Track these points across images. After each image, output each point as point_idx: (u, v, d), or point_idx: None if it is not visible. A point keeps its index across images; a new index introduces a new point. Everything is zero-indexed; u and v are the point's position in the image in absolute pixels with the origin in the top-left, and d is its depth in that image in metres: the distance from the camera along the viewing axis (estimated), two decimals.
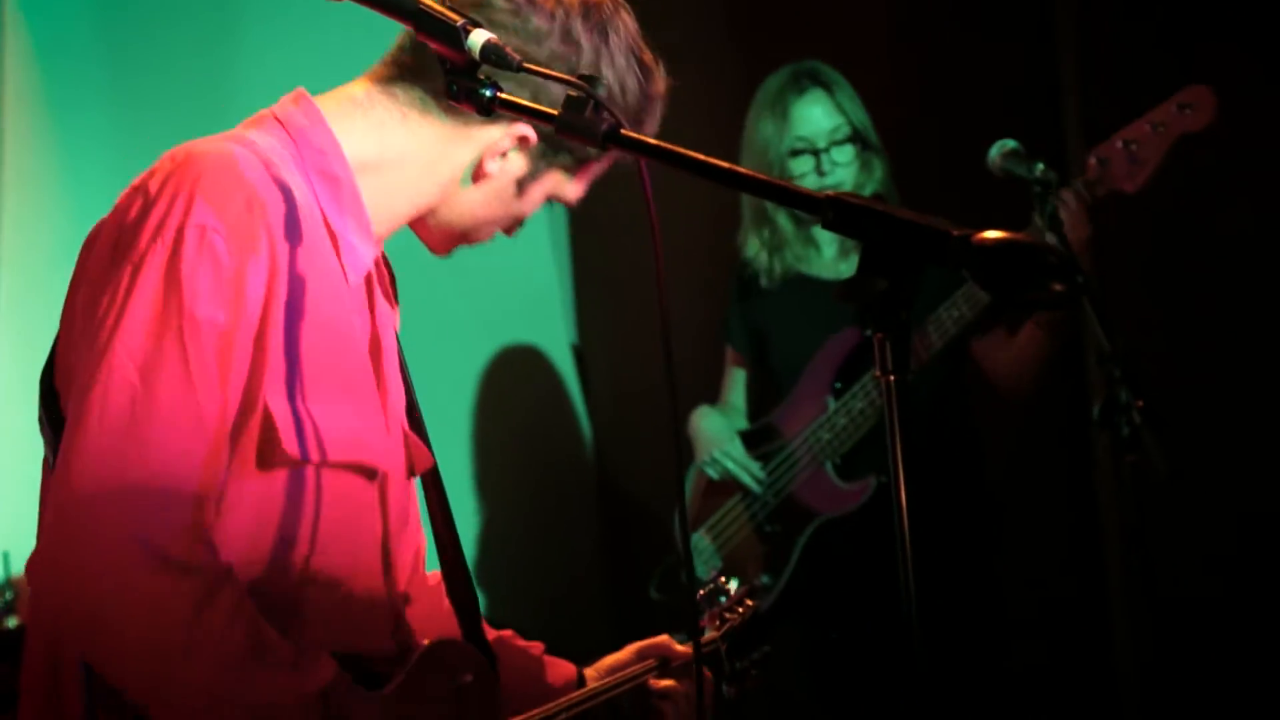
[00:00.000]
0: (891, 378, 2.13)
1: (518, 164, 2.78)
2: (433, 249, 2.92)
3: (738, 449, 5.29)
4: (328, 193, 2.67)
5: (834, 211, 2.14)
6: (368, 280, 2.77)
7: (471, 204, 2.81)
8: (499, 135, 2.73)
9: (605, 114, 2.31)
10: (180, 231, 2.45)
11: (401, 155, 2.74)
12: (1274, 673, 5.33)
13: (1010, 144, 4.47)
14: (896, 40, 5.96)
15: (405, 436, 2.88)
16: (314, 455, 2.58)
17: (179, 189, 2.48)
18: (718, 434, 5.36)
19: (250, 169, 2.54)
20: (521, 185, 2.81)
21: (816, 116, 5.14)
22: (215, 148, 2.55)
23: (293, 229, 2.57)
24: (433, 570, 3.08)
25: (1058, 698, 5.79)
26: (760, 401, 5.45)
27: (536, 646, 3.23)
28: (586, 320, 6.96)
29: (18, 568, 4.97)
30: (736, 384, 5.51)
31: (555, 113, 2.33)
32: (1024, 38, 5.83)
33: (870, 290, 2.12)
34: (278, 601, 2.59)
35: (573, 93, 2.33)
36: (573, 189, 2.89)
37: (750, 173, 2.31)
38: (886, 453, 5.01)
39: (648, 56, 2.82)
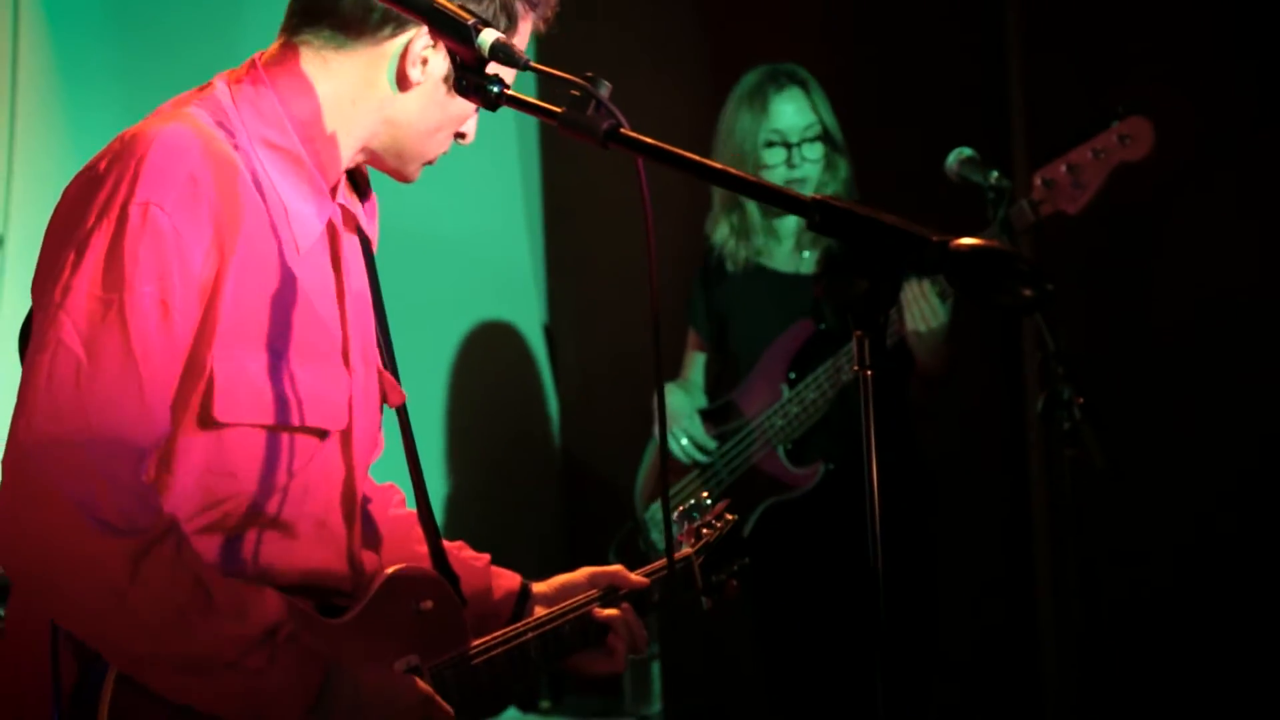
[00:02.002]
0: (869, 373, 2.11)
1: (439, 64, 2.68)
2: (397, 176, 2.84)
3: (697, 427, 5.29)
4: (274, 162, 2.63)
5: (821, 214, 2.14)
6: (330, 229, 2.73)
7: (409, 115, 2.72)
8: (410, 41, 2.66)
9: (606, 112, 2.30)
10: (124, 209, 2.44)
11: (333, 97, 2.68)
12: (1198, 655, 5.35)
13: (967, 152, 4.51)
14: (856, 51, 5.95)
15: (379, 374, 2.86)
16: (256, 418, 2.58)
17: (125, 169, 2.47)
18: (678, 410, 5.35)
19: (195, 146, 2.51)
20: (450, 81, 2.69)
21: (791, 112, 5.14)
22: (160, 128, 2.52)
23: (236, 201, 2.54)
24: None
25: (983, 685, 5.81)
26: (718, 382, 5.45)
27: (482, 558, 3.17)
28: (557, 301, 6.95)
29: None
30: (697, 364, 5.51)
31: (559, 110, 2.32)
32: (977, 58, 5.84)
33: (851, 290, 2.12)
34: (231, 548, 2.60)
35: (575, 92, 2.31)
36: (507, 75, 2.70)
37: (741, 174, 2.31)
38: (835, 441, 5.05)
39: None
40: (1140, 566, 5.30)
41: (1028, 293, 2.05)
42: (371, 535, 2.91)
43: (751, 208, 5.24)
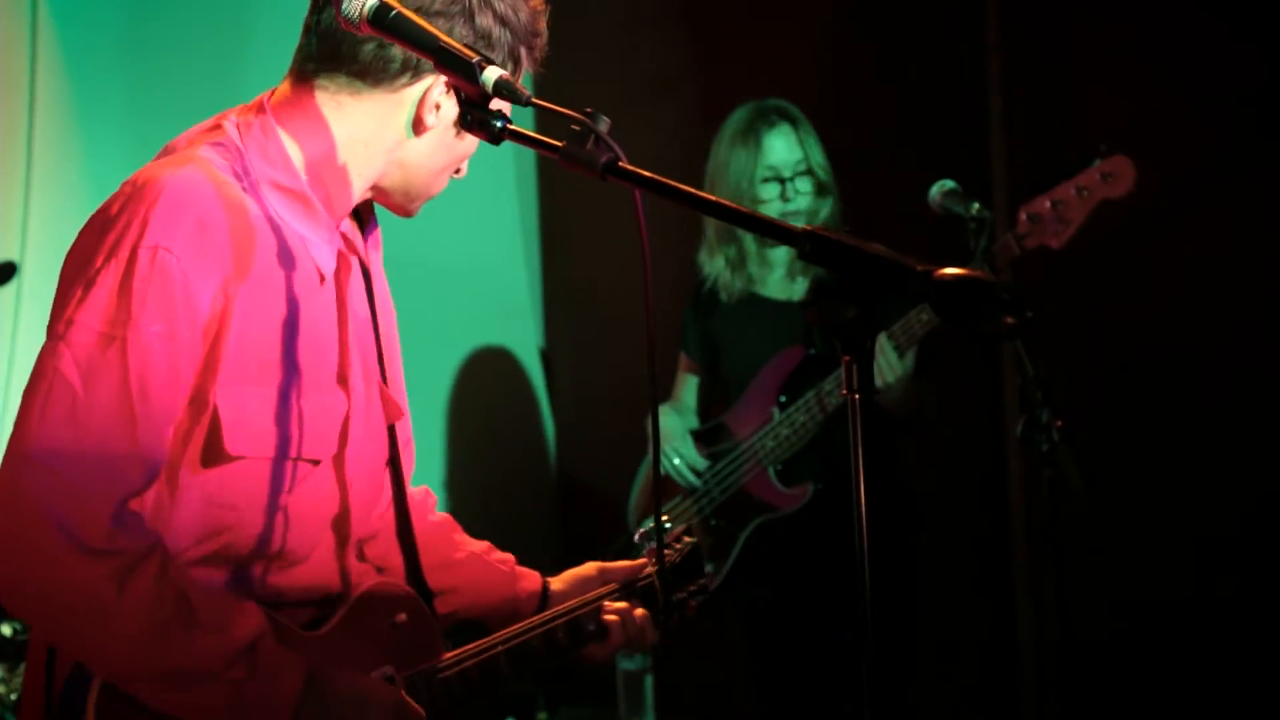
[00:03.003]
0: (857, 396, 2.12)
1: (451, 108, 2.68)
2: (400, 212, 2.86)
3: (689, 447, 5.30)
4: (282, 203, 2.64)
5: (811, 244, 2.15)
6: (341, 257, 2.74)
7: (420, 157, 2.75)
8: (428, 89, 2.68)
9: (604, 146, 2.31)
10: (134, 250, 2.45)
11: (347, 140, 2.69)
12: (1174, 673, 5.36)
13: (949, 184, 4.53)
14: (843, 87, 5.97)
15: (380, 390, 2.86)
16: (259, 451, 2.59)
17: (136, 212, 2.48)
18: (671, 431, 5.36)
19: (205, 192, 2.52)
20: (457, 125, 2.67)
21: (783, 148, 5.15)
22: (171, 173, 2.53)
23: (244, 243, 2.55)
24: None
25: (964, 700, 5.81)
26: (708, 404, 5.46)
27: (508, 560, 3.21)
28: (553, 326, 6.96)
29: None
30: (689, 387, 5.51)
31: (560, 144, 2.33)
32: (960, 93, 5.86)
33: (840, 317, 2.13)
34: (231, 575, 2.63)
35: (575, 126, 2.33)
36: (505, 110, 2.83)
37: (734, 206, 2.31)
38: (824, 462, 5.05)
39: None
40: (1117, 584, 5.31)
41: (1009, 320, 2.06)
42: (383, 549, 2.95)
43: (747, 240, 5.25)
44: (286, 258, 2.62)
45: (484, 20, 2.66)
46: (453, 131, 2.72)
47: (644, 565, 3.24)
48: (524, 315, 6.91)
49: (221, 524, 2.60)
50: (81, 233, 2.57)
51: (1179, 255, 5.32)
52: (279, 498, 2.64)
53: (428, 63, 2.49)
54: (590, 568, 3.24)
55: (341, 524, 2.78)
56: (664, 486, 5.38)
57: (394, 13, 2.42)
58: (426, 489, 3.23)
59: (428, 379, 6.31)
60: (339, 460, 2.74)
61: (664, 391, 5.53)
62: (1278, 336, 5.17)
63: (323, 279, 2.67)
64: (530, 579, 3.20)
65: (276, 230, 2.61)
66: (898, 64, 5.92)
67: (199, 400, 2.52)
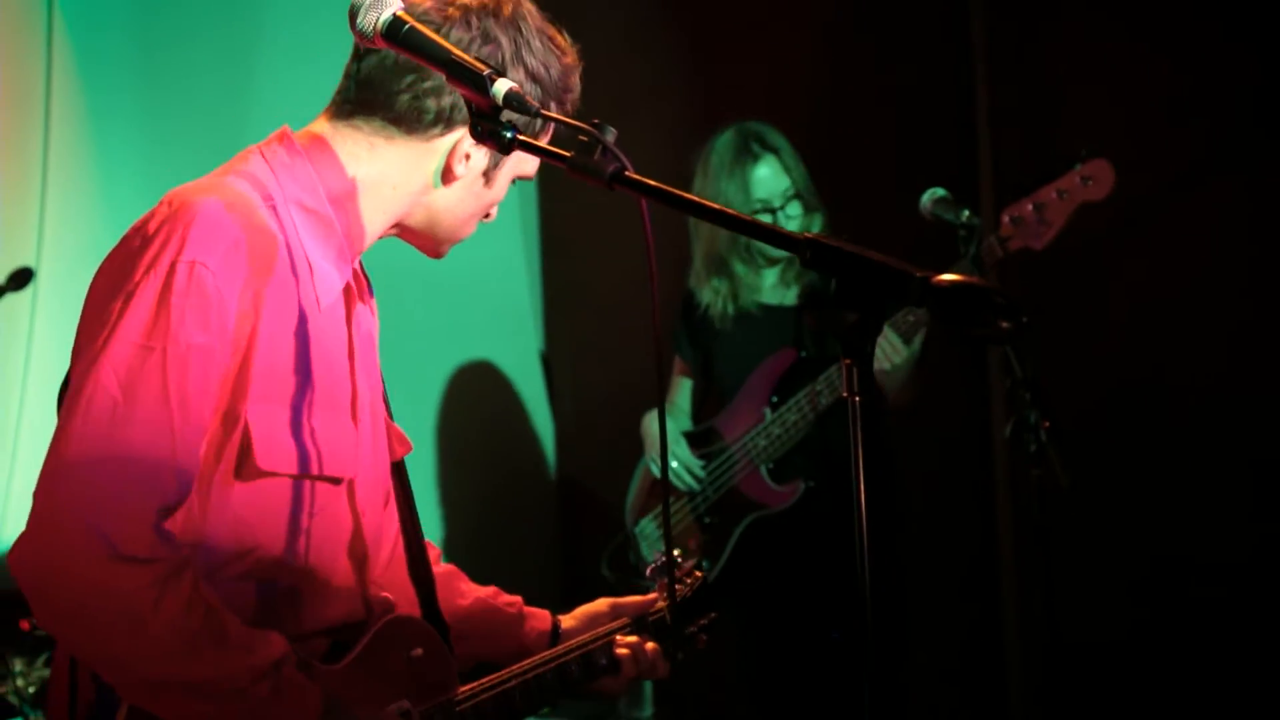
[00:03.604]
0: (858, 399, 2.11)
1: (480, 159, 2.74)
2: (429, 253, 2.89)
3: (683, 449, 5.31)
4: (306, 225, 2.65)
5: (812, 251, 2.14)
6: (346, 291, 2.75)
7: (448, 204, 2.78)
8: (458, 140, 2.71)
9: (611, 156, 2.30)
10: (173, 266, 2.45)
11: (374, 179, 2.71)
12: (1160, 667, 5.36)
13: (940, 192, 4.54)
14: (834, 101, 5.97)
15: (387, 426, 2.87)
16: (286, 468, 2.58)
17: (173, 229, 2.48)
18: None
19: (236, 215, 2.53)
20: (488, 175, 2.79)
21: (770, 179, 5.16)
22: (205, 197, 2.54)
23: (271, 266, 2.56)
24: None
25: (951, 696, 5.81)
26: (702, 406, 5.47)
27: (515, 603, 3.21)
28: (554, 331, 6.96)
29: None
30: (683, 390, 5.52)
31: (568, 155, 2.33)
32: (946, 106, 5.86)
33: (841, 322, 2.12)
34: (260, 593, 2.61)
35: (582, 137, 2.32)
36: (531, 164, 2.85)
37: (736, 214, 2.30)
38: (814, 460, 5.05)
39: (556, 35, 2.79)
40: (1103, 580, 5.31)
41: (1005, 325, 2.05)
42: (390, 572, 2.93)
43: (737, 266, 5.25)
44: (301, 280, 2.63)
45: (515, 74, 2.70)
46: (481, 181, 2.78)
47: (655, 600, 3.24)
48: (525, 320, 6.91)
49: (251, 542, 2.59)
50: (116, 249, 2.56)
51: (1157, 256, 5.33)
52: (301, 519, 2.64)
53: (460, 114, 2.53)
54: (602, 604, 3.24)
55: (358, 550, 2.77)
56: (660, 487, 5.38)
57: (407, 27, 2.42)
58: (428, 543, 3.23)
59: (430, 383, 6.31)
60: (351, 488, 2.74)
61: (662, 395, 5.53)
62: (1258, 336, 5.17)
63: (319, 305, 2.66)
64: (540, 619, 3.20)
65: (294, 255, 2.62)
66: (886, 74, 5.92)
67: (230, 415, 2.52)
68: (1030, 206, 4.59)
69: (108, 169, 5.58)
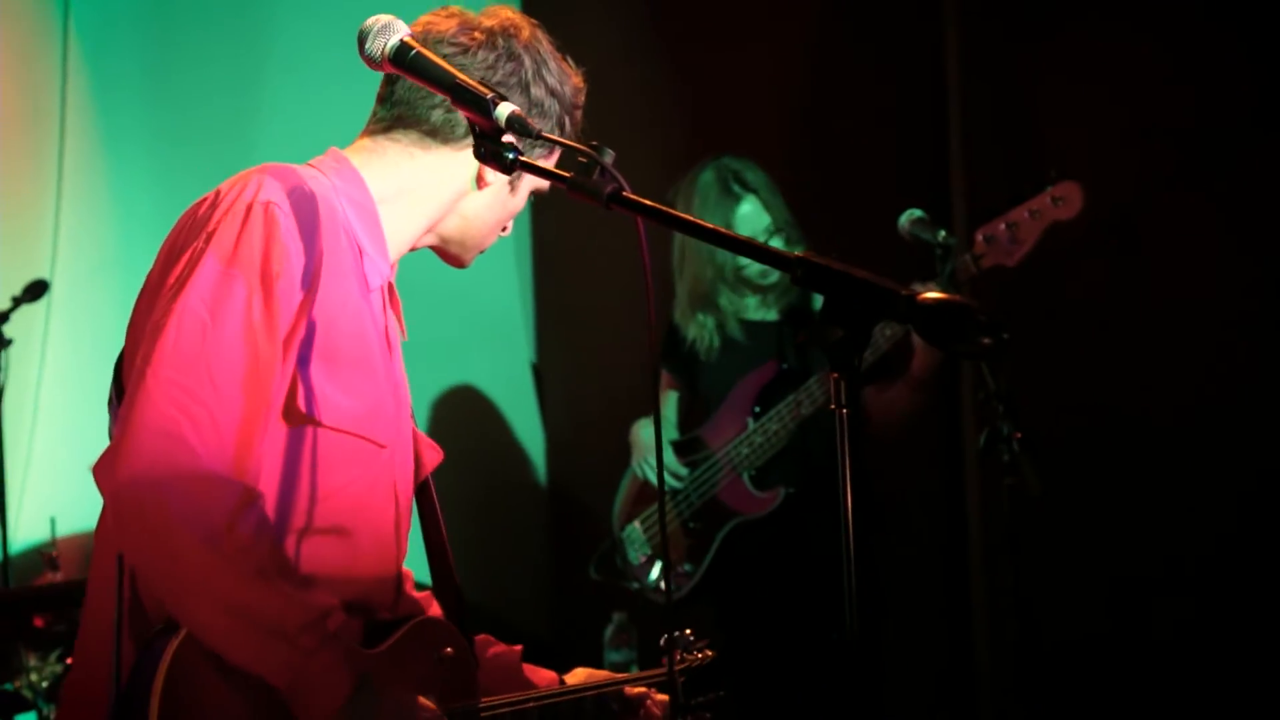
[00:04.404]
0: (845, 411, 2.12)
1: None
2: (456, 263, 2.93)
3: (668, 456, 5.30)
4: (356, 217, 2.69)
5: (803, 270, 2.15)
6: (384, 294, 2.77)
7: (478, 210, 2.83)
8: None
9: (609, 177, 2.31)
10: (250, 206, 2.51)
11: (414, 185, 2.77)
12: (1129, 671, 5.36)
13: (917, 213, 4.53)
14: (812, 129, 5.98)
15: (415, 435, 2.88)
16: (329, 420, 2.58)
17: (249, 181, 2.55)
18: (652, 442, 5.38)
19: (305, 182, 2.60)
20: (512, 184, 2.84)
21: (752, 217, 5.15)
22: (276, 166, 2.62)
23: (333, 234, 2.60)
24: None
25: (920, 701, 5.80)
26: (689, 416, 5.46)
27: (516, 649, 3.17)
28: (545, 342, 6.96)
29: (62, 530, 4.95)
30: (670, 402, 5.50)
31: (568, 175, 2.34)
32: (920, 131, 5.87)
33: (829, 337, 2.12)
34: (298, 544, 2.59)
35: (582, 159, 2.34)
36: (547, 160, 2.86)
37: (729, 233, 2.30)
38: (795, 468, 5.05)
39: (563, 59, 2.86)
40: (1071, 586, 5.30)
41: (986, 341, 2.05)
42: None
43: (724, 302, 5.25)
44: (353, 258, 2.66)
45: (538, 91, 2.79)
46: (507, 189, 2.84)
47: (662, 672, 3.21)
48: (517, 332, 6.91)
49: (296, 489, 2.58)
50: (186, 214, 2.60)
51: (1124, 272, 5.34)
52: (341, 474, 2.63)
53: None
54: (612, 675, 3.21)
55: (398, 520, 2.78)
56: (647, 493, 5.39)
57: (414, 52, 2.45)
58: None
59: (425, 393, 6.30)
60: (390, 459, 2.74)
61: (647, 405, 5.53)
62: (1223, 347, 5.18)
63: (368, 288, 2.69)
64: (541, 675, 3.16)
65: (348, 233, 2.66)
66: (862, 98, 5.93)
67: (287, 349, 2.53)
68: (1003, 226, 4.59)
69: (119, 187, 5.59)
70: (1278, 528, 5.08)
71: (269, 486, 2.54)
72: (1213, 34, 5.16)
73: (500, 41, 2.75)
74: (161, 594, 2.47)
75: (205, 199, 2.58)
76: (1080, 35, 5.41)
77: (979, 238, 4.61)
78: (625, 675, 3.20)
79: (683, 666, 3.27)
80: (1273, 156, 5.09)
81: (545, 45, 2.82)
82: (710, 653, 3.34)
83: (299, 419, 2.56)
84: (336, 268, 2.59)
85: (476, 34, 2.75)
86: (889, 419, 4.94)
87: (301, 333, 2.54)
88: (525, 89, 2.76)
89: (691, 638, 3.32)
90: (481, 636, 3.13)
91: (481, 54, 2.73)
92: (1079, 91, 5.41)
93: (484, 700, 2.88)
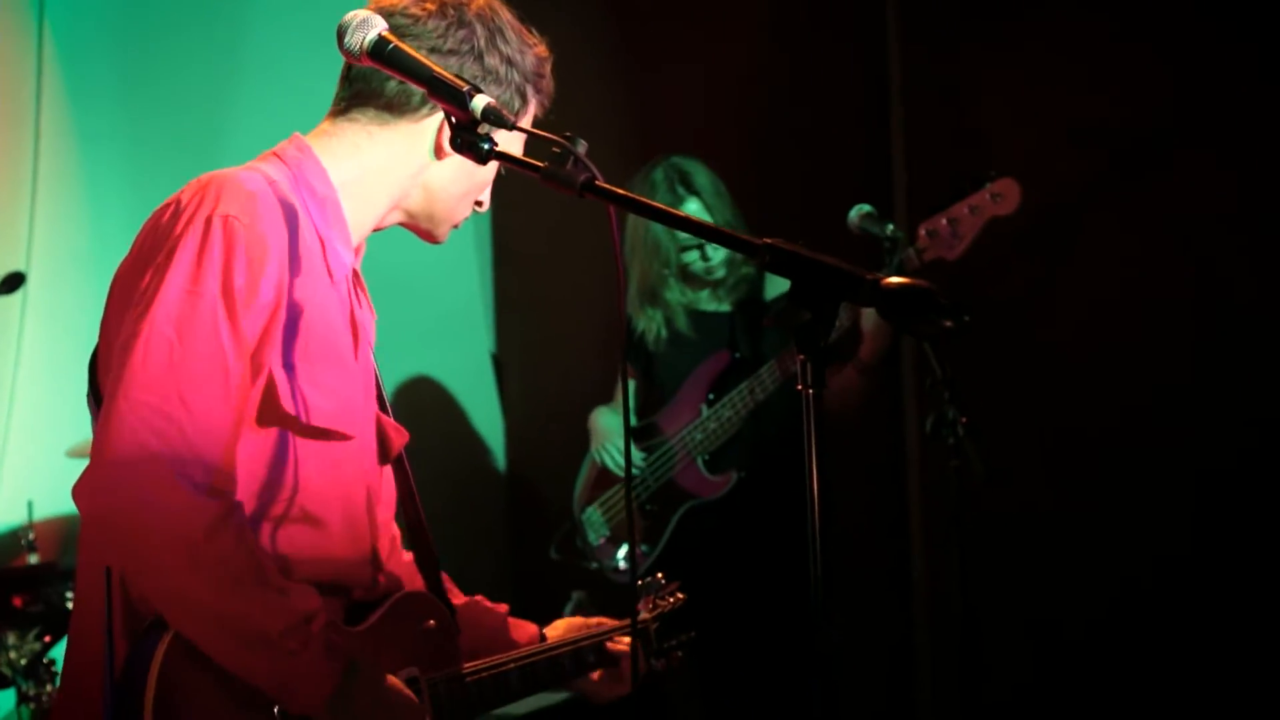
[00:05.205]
0: (811, 391, 2.11)
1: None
2: (428, 238, 2.88)
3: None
4: (318, 210, 2.65)
5: (770, 255, 2.14)
6: (350, 281, 2.74)
7: (442, 180, 2.77)
8: (445, 117, 2.66)
9: (582, 167, 2.30)
10: (209, 220, 2.46)
11: (374, 164, 2.72)
12: (1075, 651, 5.37)
13: (866, 208, 4.53)
14: (756, 124, 5.97)
15: (378, 419, 2.84)
16: (305, 418, 2.56)
17: (206, 193, 2.49)
18: (609, 429, 5.37)
19: (261, 185, 2.55)
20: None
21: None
22: (235, 171, 2.57)
23: (293, 235, 2.56)
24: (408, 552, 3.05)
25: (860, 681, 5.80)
26: (645, 404, 5.45)
27: (502, 608, 3.19)
28: (504, 333, 6.93)
29: (39, 513, 4.93)
30: (628, 389, 5.50)
31: (542, 165, 2.32)
32: (863, 130, 5.87)
33: (796, 320, 2.11)
34: (273, 537, 2.57)
35: (555, 149, 2.32)
36: (516, 145, 2.78)
37: (698, 220, 2.31)
38: (747, 453, 5.04)
39: (526, 30, 2.80)
40: (1013, 563, 5.31)
41: (947, 324, 2.05)
42: (402, 565, 2.91)
43: (672, 296, 5.23)
44: (315, 254, 2.62)
45: (491, 60, 2.71)
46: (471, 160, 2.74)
47: (640, 615, 3.24)
48: (477, 323, 6.88)
49: (269, 483, 2.56)
50: (148, 223, 2.56)
51: (1060, 265, 5.36)
52: (317, 467, 2.61)
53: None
54: (580, 620, 3.23)
55: (368, 510, 2.75)
56: (605, 477, 5.39)
57: (391, 46, 2.42)
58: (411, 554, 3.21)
59: (386, 384, 6.25)
60: (360, 448, 2.72)
61: (607, 393, 5.53)
62: (1150, 339, 5.20)
63: (331, 279, 2.66)
64: (524, 629, 3.18)
65: (308, 228, 2.63)
66: (809, 99, 5.92)
67: (257, 362, 2.50)
68: (944, 221, 4.60)
69: (93, 181, 5.55)
70: (1212, 511, 5.10)
71: (244, 485, 2.52)
72: (1148, 39, 5.18)
73: (450, 10, 2.69)
74: (149, 601, 2.46)
75: (168, 206, 2.53)
76: (1020, 38, 5.42)
77: (921, 232, 4.62)
78: (599, 621, 3.20)
79: (656, 613, 3.28)
80: (1204, 158, 5.11)
81: (503, 15, 2.76)
82: (681, 596, 3.34)
83: (272, 419, 2.54)
84: (300, 267, 2.56)
85: (428, 4, 2.69)
86: (839, 405, 4.93)
87: (272, 338, 2.51)
88: (479, 57, 2.69)
89: (663, 581, 3.33)
90: (476, 597, 3.15)
91: (432, 23, 2.68)
92: (1019, 92, 5.42)
93: (466, 665, 2.88)
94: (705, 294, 5.25)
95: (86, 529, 2.53)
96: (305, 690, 2.47)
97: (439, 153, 2.74)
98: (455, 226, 2.88)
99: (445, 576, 3.11)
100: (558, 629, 3.20)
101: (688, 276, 5.21)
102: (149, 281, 2.45)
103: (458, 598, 3.12)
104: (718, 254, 5.15)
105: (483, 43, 2.70)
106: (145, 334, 2.40)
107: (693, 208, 5.13)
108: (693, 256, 5.16)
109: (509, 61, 2.73)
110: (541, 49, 2.81)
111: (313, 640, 2.46)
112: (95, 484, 2.37)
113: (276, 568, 2.51)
